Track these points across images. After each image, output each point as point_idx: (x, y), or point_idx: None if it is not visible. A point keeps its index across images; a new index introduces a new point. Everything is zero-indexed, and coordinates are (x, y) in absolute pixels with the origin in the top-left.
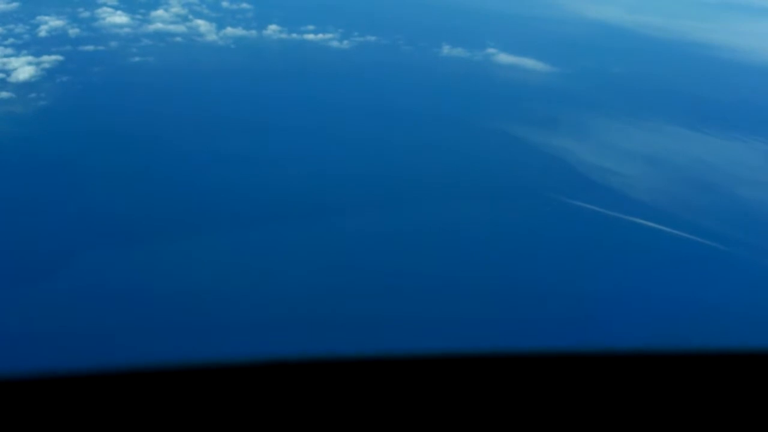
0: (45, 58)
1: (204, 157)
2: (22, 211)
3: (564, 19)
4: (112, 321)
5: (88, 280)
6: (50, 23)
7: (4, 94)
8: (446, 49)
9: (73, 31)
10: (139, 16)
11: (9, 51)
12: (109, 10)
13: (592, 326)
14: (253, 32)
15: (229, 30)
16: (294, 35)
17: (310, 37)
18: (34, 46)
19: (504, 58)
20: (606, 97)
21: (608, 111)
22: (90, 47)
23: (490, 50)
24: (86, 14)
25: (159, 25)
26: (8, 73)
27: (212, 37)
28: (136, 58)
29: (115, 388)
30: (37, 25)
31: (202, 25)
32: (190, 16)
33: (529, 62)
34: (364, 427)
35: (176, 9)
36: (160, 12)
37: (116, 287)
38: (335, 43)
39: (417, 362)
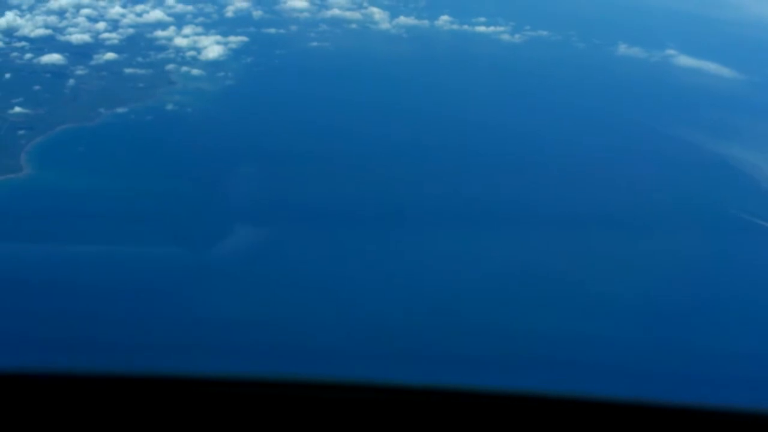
0: (232, 38)
1: (382, 145)
2: (208, 184)
3: (749, 22)
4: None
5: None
6: (236, 4)
7: (195, 71)
8: (622, 48)
9: (257, 13)
10: (318, 1)
11: (199, 30)
12: None
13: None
14: (425, 22)
15: (402, 19)
16: (465, 27)
17: (482, 29)
18: (221, 26)
19: (684, 60)
20: None
21: None
22: (272, 30)
23: (670, 51)
24: None
25: (336, 11)
26: (199, 51)
27: (386, 25)
28: (314, 43)
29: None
30: (224, 6)
31: (376, 12)
32: (365, 4)
33: (712, 66)
34: None
35: None
36: None
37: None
38: (506, 36)
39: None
